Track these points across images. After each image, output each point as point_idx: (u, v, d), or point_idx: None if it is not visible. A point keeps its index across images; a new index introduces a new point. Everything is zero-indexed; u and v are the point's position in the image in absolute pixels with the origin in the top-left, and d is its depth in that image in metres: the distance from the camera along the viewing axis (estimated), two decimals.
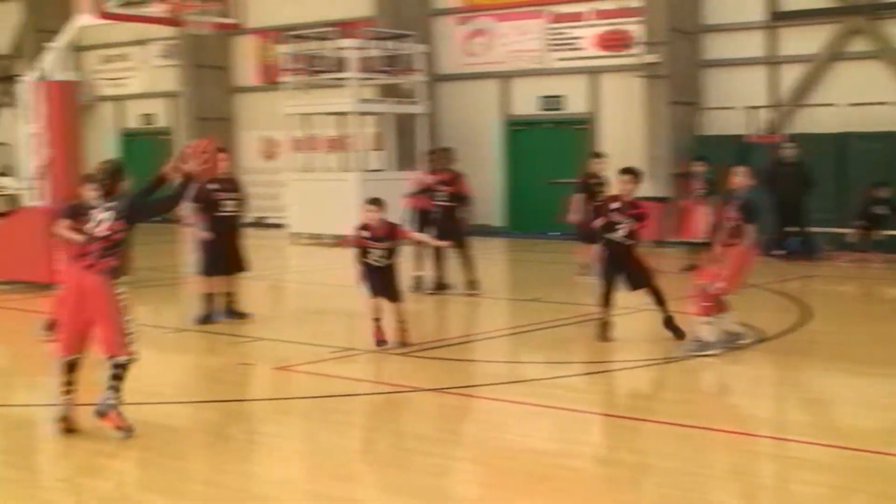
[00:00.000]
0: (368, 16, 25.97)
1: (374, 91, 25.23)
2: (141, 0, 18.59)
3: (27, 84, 17.62)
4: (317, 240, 23.70)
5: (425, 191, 15.30)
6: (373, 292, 11.19)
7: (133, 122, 32.11)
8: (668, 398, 9.39)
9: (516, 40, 24.76)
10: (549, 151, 24.19)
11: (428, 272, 15.36)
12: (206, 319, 12.69)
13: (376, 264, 11.19)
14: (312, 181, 24.22)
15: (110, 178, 8.12)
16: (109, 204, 8.03)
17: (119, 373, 7.93)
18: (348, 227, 24.28)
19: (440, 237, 14.84)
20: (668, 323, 11.33)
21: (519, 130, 25.03)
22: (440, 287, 15.06)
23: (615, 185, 11.55)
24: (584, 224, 16.09)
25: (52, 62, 16.96)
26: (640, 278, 11.38)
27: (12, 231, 16.28)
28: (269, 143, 28.86)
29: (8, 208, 19.18)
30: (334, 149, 25.08)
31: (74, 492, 6.89)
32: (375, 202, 11.30)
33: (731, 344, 10.77)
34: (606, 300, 11.38)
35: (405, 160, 23.63)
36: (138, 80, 31.69)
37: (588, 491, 6.92)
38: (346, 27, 25.99)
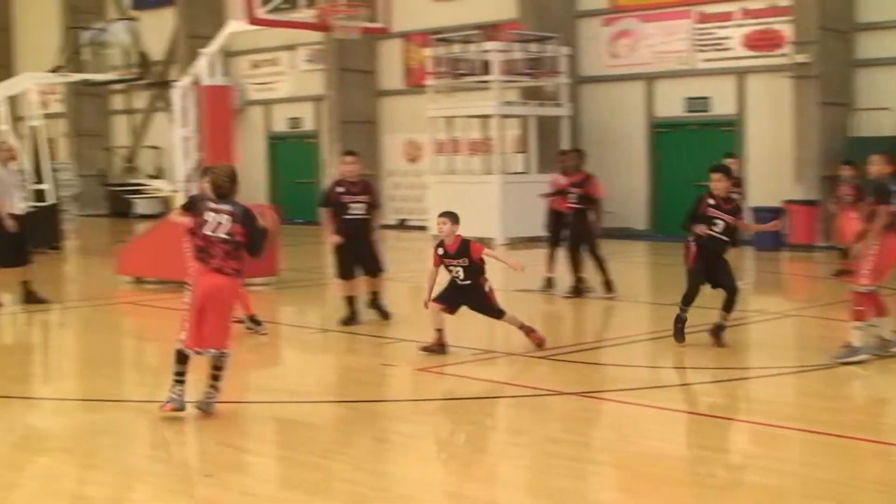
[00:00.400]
0: (512, 18, 26.03)
1: (518, 93, 25.27)
2: (290, 6, 18.99)
3: (180, 89, 18.18)
4: None
5: (559, 192, 15.30)
6: (442, 302, 10.94)
7: (280, 126, 32.79)
8: (814, 406, 9.18)
9: (662, 41, 24.50)
10: (695, 154, 23.85)
11: (558, 274, 15.35)
12: (349, 321, 12.84)
13: (459, 283, 10.94)
14: (455, 183, 24.36)
15: (228, 181, 8.40)
16: (225, 207, 8.33)
17: (220, 373, 8.43)
18: (490, 230, 24.41)
19: (572, 239, 14.86)
20: (717, 330, 11.17)
21: (664, 132, 24.75)
22: (577, 290, 14.99)
23: (711, 184, 11.37)
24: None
25: (204, 67, 17.45)
26: (725, 277, 11.19)
27: (165, 232, 16.79)
28: (412, 146, 29.14)
29: (161, 210, 19.77)
30: (477, 151, 25.21)
31: (220, 487, 7.08)
32: (446, 215, 10.99)
33: (882, 351, 10.47)
34: (691, 299, 11.22)
35: (547, 163, 23.57)
36: (286, 84, 32.34)
37: (730, 499, 6.81)
38: (490, 30, 26.10)
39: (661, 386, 10.03)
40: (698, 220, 11.17)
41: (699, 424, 8.52)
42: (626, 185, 24.35)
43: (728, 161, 16.58)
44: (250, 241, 8.40)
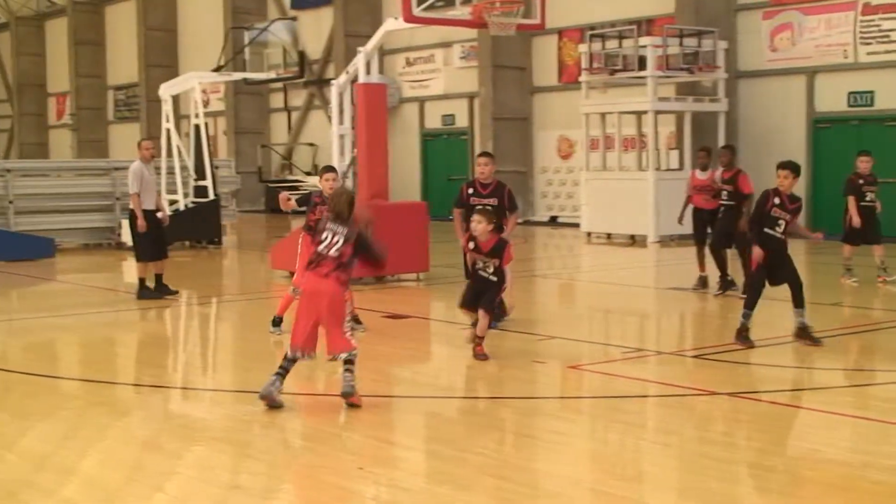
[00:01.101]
0: (669, 13, 25.70)
1: (673, 89, 24.93)
2: (445, 3, 19.11)
3: (337, 87, 18.46)
4: (610, 239, 23.65)
5: (701, 189, 15.13)
6: (467, 308, 10.89)
7: (434, 123, 33.04)
8: None
9: (824, 34, 23.85)
10: (857, 150, 23.13)
11: (711, 272, 15.09)
12: (497, 318, 12.76)
13: (483, 275, 10.77)
14: (608, 180, 24.17)
15: (347, 207, 8.92)
16: (342, 229, 8.85)
17: (350, 366, 8.73)
18: (643, 227, 24.11)
19: (717, 236, 14.66)
20: (801, 332, 10.97)
21: (824, 128, 24.09)
22: (726, 285, 14.73)
23: (778, 181, 11.10)
24: (852, 225, 15.65)
25: (360, 65, 17.67)
26: (788, 272, 11.01)
27: None
28: (565, 142, 29.04)
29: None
30: (631, 148, 24.98)
31: (370, 480, 7.16)
32: (482, 213, 10.86)
33: None
34: (755, 301, 11.00)
35: None
36: (439, 81, 32.58)
37: None
38: (645, 25, 25.82)
39: (820, 388, 9.76)
40: (763, 219, 10.97)
41: (862, 428, 8.25)
42: None
43: (862, 158, 16.07)
44: (370, 256, 9.00)
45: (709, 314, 14.22)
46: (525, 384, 10.09)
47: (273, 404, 8.71)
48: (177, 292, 15.50)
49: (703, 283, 15.22)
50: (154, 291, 15.37)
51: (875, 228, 15.93)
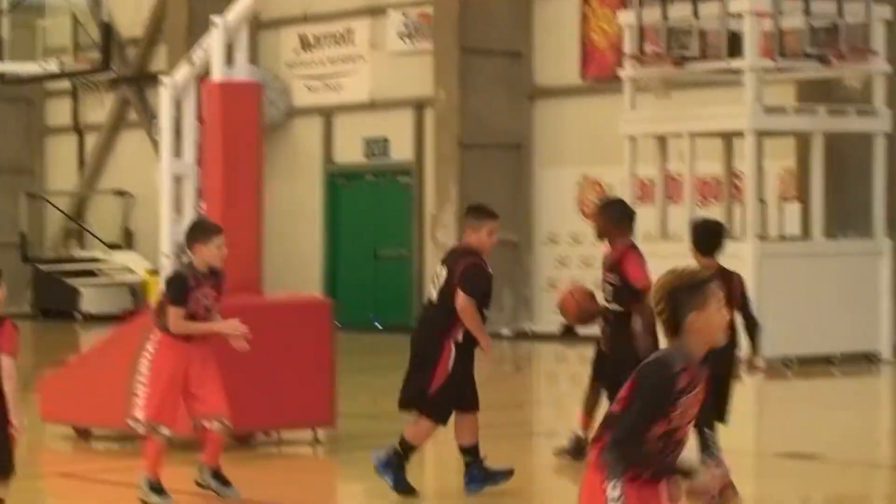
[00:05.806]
0: None
1: (792, 92, 25.12)
2: None
3: (171, 88, 18.45)
4: None
5: None
6: None
7: (350, 154, 33.07)
8: None
9: None
10: None
11: None
12: None
13: None
14: (671, 258, 24.15)
15: None
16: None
17: None
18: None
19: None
20: None
21: None
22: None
23: None
24: None
25: (215, 49, 17.69)
26: None
27: (127, 343, 17.07)
28: (592, 187, 29.15)
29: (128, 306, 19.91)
30: (714, 199, 25.11)
31: None
32: None
33: None
34: None
35: (847, 218, 23.36)
36: (362, 78, 32.70)
37: None
38: None
39: None
40: None
41: None
42: None
43: None
44: None
45: None
46: None
47: None
48: None
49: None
50: None
51: None
